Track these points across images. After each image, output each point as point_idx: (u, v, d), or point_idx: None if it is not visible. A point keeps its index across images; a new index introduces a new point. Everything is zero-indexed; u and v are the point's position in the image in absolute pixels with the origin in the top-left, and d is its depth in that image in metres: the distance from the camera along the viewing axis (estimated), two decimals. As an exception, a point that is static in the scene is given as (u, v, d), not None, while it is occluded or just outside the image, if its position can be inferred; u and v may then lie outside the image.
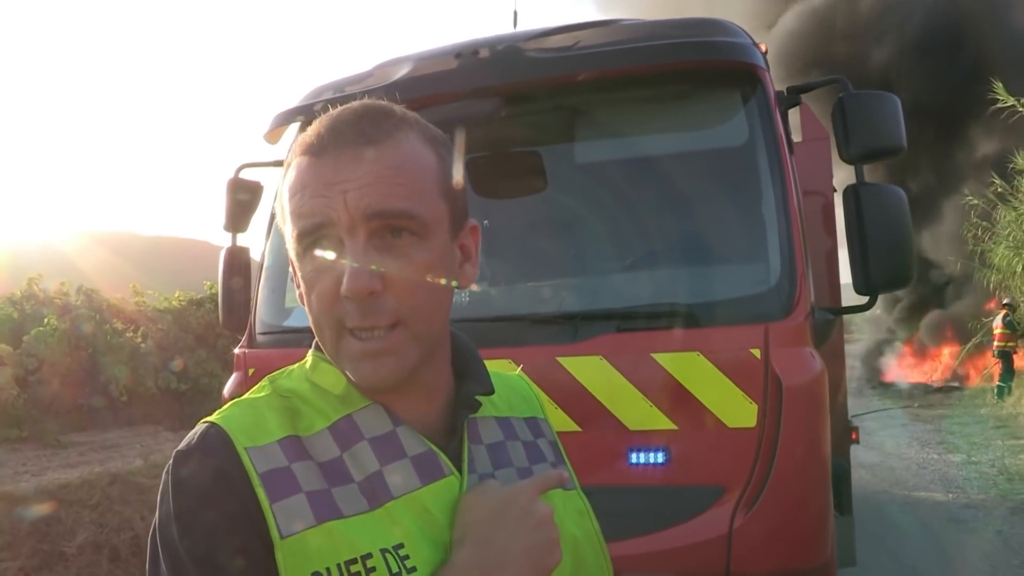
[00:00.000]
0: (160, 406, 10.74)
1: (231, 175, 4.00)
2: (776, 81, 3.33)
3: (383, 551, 0.93)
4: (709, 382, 2.82)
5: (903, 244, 3.01)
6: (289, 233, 1.00)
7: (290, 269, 1.05)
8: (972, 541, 6.84)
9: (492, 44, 3.36)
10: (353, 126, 0.97)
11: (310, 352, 1.10)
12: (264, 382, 1.07)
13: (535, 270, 3.48)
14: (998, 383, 16.57)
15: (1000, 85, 15.02)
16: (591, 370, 2.92)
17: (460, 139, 3.57)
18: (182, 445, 0.98)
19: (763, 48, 3.34)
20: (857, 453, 5.41)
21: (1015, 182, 16.11)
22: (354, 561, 0.92)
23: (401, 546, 0.95)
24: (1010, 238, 16.04)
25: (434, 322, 1.02)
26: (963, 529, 7.22)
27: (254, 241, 4.05)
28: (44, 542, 5.85)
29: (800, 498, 2.84)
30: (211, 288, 12.70)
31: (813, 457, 2.88)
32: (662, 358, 2.89)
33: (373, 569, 0.92)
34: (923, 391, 18.18)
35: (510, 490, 1.01)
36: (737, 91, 3.24)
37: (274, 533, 0.91)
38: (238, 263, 4.02)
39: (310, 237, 0.97)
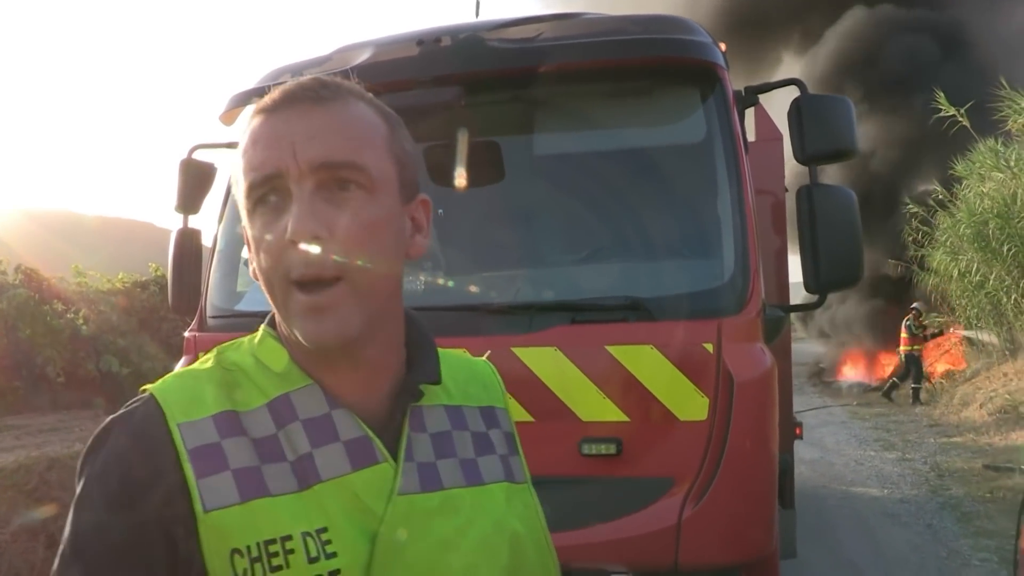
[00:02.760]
0: (100, 390, 10.54)
1: (184, 155, 3.94)
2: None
3: (304, 534, 0.93)
4: (661, 375, 2.86)
5: (853, 244, 3.08)
6: (241, 194, 1.00)
7: (244, 239, 1.04)
8: (904, 534, 7.04)
9: (454, 32, 3.35)
10: (306, 89, 0.99)
11: (262, 326, 1.09)
12: (211, 352, 1.07)
13: (491, 260, 3.49)
14: (891, 380, 17.31)
15: (942, 95, 15.43)
16: (545, 361, 2.94)
17: (418, 127, 3.58)
18: (117, 414, 0.99)
19: (723, 47, 3.38)
20: (799, 449, 5.53)
21: (954, 189, 16.57)
22: (273, 541, 0.92)
23: (324, 530, 0.94)
24: (948, 244, 16.46)
25: (378, 284, 1.00)
26: (896, 523, 7.43)
27: (205, 224, 3.99)
28: (-24, 528, 5.71)
29: (747, 491, 2.90)
30: (156, 271, 12.48)
31: (761, 451, 2.94)
32: (616, 350, 2.92)
33: (291, 551, 0.91)
34: (861, 390, 18.59)
35: None
36: (696, 89, 3.28)
37: (197, 507, 0.91)
38: (189, 245, 3.95)
39: (260, 190, 0.97)
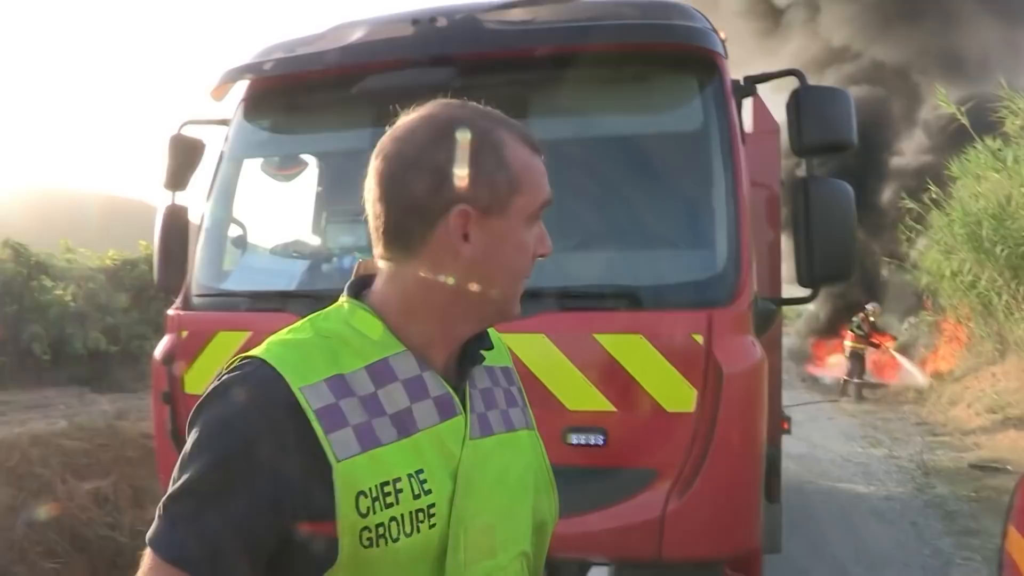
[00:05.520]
0: (88, 367, 10.46)
1: (174, 131, 3.88)
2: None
3: (409, 475, 1.12)
4: (650, 365, 2.82)
5: (846, 238, 3.05)
6: (524, 202, 1.19)
7: (501, 237, 1.19)
8: (889, 532, 7.04)
9: (450, 13, 3.30)
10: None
11: (346, 299, 1.24)
12: (304, 323, 1.21)
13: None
14: (843, 378, 17.71)
15: (942, 92, 15.40)
16: (533, 348, 2.90)
17: (404, 107, 3.52)
18: (229, 375, 1.13)
19: (722, 35, 3.33)
20: (786, 444, 5.50)
21: (949, 188, 16.56)
22: (387, 483, 1.10)
23: (421, 471, 1.13)
24: (941, 242, 16.46)
25: None
26: (881, 520, 7.42)
27: (193, 201, 3.94)
28: (-44, 503, 5.65)
29: (733, 485, 2.87)
30: (147, 248, 12.39)
31: (748, 445, 2.91)
32: (604, 339, 2.88)
33: (401, 490, 1.11)
34: (851, 386, 18.61)
35: None
36: (694, 77, 3.23)
37: (331, 458, 1.07)
38: (176, 222, 3.90)
39: (541, 210, 1.22)
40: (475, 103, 1.25)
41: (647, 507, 2.78)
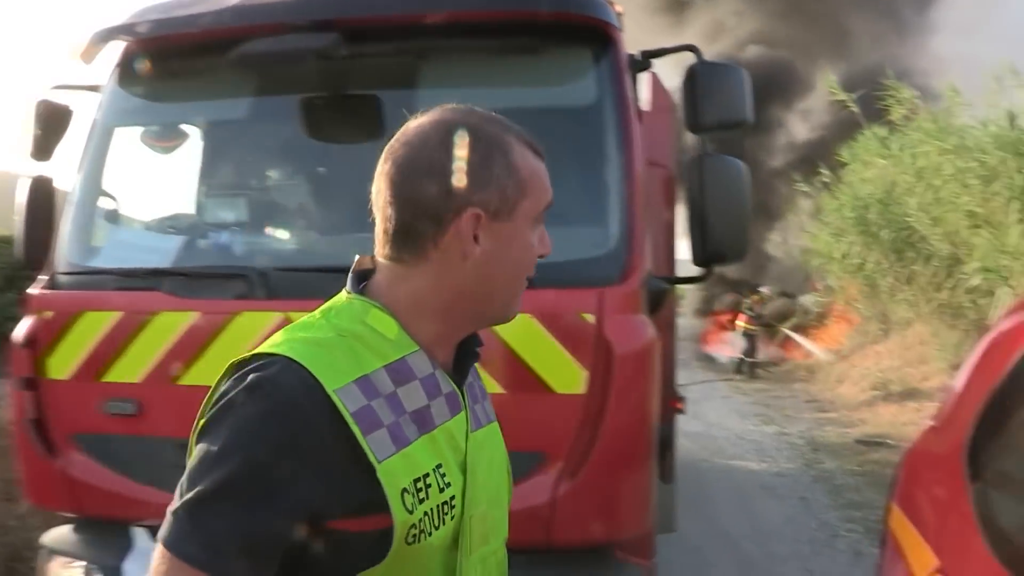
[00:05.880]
0: (-43, 350, 9.84)
1: (41, 96, 3.59)
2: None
3: (434, 470, 1.17)
4: (538, 346, 2.74)
5: (740, 216, 3.02)
6: (529, 205, 1.24)
7: (503, 238, 1.23)
8: (779, 507, 7.22)
9: None
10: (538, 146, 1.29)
11: (354, 296, 1.24)
12: (318, 319, 1.22)
13: (362, 219, 3.31)
14: (737, 356, 18.53)
15: (833, 79, 15.84)
16: None
17: (290, 77, 3.35)
18: (256, 374, 1.10)
19: (619, 9, 3.26)
20: (681, 423, 5.56)
21: (838, 172, 17.10)
22: (419, 479, 1.14)
23: (441, 466, 1.18)
24: (832, 225, 17.00)
25: None
26: (772, 495, 7.61)
27: (60, 172, 3.67)
28: None
29: (624, 468, 2.81)
30: (22, 225, 11.70)
31: (639, 426, 2.86)
32: None
33: (430, 485, 1.15)
34: (745, 365, 19.10)
35: None
36: (588, 49, 3.14)
37: (372, 459, 1.09)
38: (42, 195, 3.62)
39: (542, 211, 1.26)
40: (480, 109, 1.28)
41: (536, 492, 2.69)
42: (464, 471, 1.22)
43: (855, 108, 15.29)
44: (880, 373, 13.69)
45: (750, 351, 18.36)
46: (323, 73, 3.24)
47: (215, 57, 3.21)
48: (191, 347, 3.04)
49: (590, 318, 2.73)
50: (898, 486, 2.46)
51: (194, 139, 4.04)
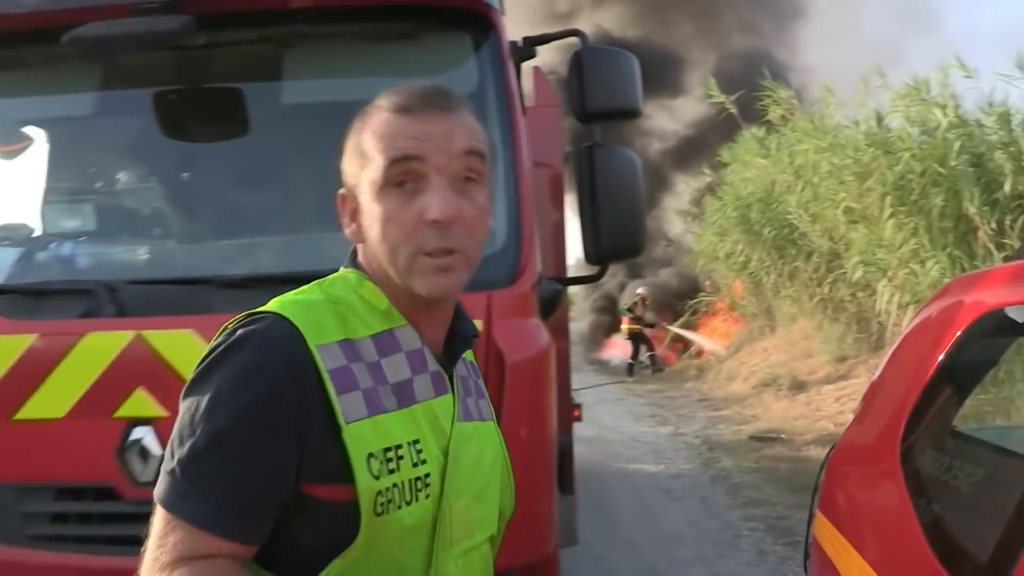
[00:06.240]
0: None
1: None
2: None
3: (409, 443, 1.15)
4: None
5: (634, 210, 2.86)
6: (372, 171, 1.17)
7: (344, 208, 1.24)
8: (680, 509, 7.14)
9: None
10: (436, 97, 1.19)
11: (351, 270, 1.24)
12: (312, 286, 1.22)
13: (225, 224, 2.99)
14: (628, 359, 18.79)
15: (713, 82, 16.14)
16: None
17: (137, 65, 3.02)
18: (246, 327, 1.12)
19: None
20: (577, 427, 5.37)
21: (720, 173, 17.45)
22: (390, 448, 1.12)
23: (417, 442, 1.16)
24: (716, 225, 17.31)
25: (479, 256, 1.23)
26: (672, 498, 7.53)
27: None
28: None
29: (523, 487, 2.57)
30: None
31: (537, 440, 2.65)
32: None
33: (402, 457, 1.13)
34: (641, 367, 19.28)
35: None
36: (468, 35, 2.94)
37: (339, 419, 1.09)
38: None
39: (399, 167, 1.15)
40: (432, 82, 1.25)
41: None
42: (446, 455, 1.20)
43: (733, 109, 15.60)
44: (769, 369, 13.94)
45: (635, 353, 18.64)
46: (178, 63, 2.95)
47: (51, 45, 2.84)
48: (28, 377, 2.67)
49: (478, 324, 2.48)
50: (821, 491, 2.29)
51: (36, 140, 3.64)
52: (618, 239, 2.85)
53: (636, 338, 18.70)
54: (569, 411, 4.88)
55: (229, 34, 2.90)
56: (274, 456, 1.08)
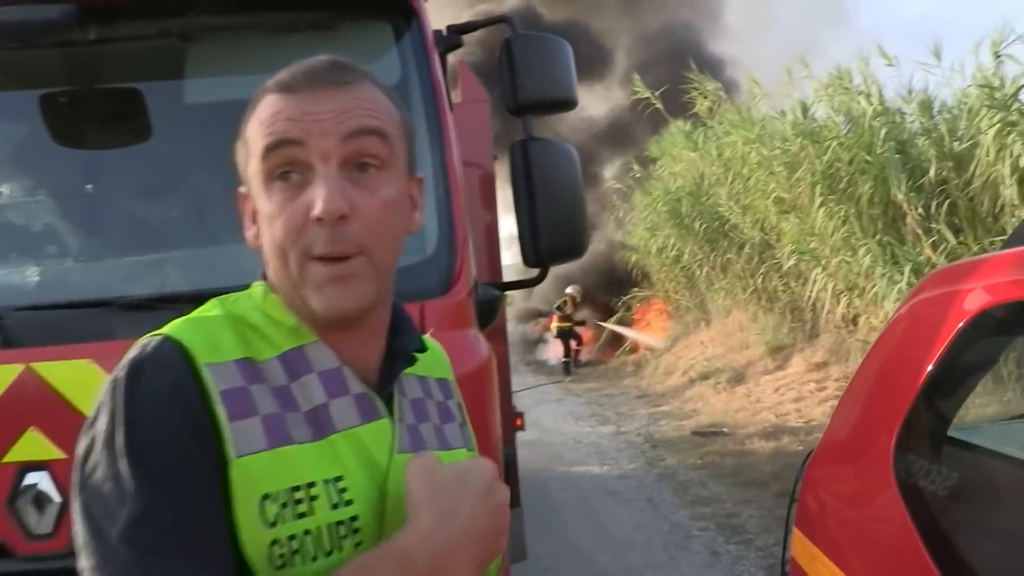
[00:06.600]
0: None
1: None
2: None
3: (325, 482, 0.96)
4: None
5: (575, 208, 2.67)
6: (254, 162, 1.01)
7: (240, 207, 1.08)
8: (627, 512, 7.01)
9: None
10: (326, 71, 1.02)
11: (258, 283, 1.09)
12: (212, 303, 1.07)
13: (126, 239, 2.72)
14: (561, 359, 18.73)
15: (638, 78, 16.15)
16: None
17: (18, 64, 2.73)
18: (133, 355, 0.96)
19: None
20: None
21: (650, 168, 17.49)
22: (298, 488, 0.94)
23: (340, 479, 0.97)
24: (647, 220, 17.35)
25: (391, 259, 1.05)
26: (619, 500, 7.40)
27: None
28: None
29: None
30: None
31: (483, 455, 2.43)
32: None
33: (315, 498, 0.95)
34: (572, 366, 19.22)
35: (472, 464, 1.04)
36: (387, 24, 2.72)
37: (228, 451, 0.92)
38: None
39: (278, 155, 0.99)
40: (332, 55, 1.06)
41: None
42: (384, 495, 1.01)
43: (659, 104, 15.62)
44: (706, 362, 13.96)
45: (568, 351, 18.57)
46: (67, 61, 2.68)
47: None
48: None
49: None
50: (799, 505, 2.10)
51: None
52: (558, 239, 2.66)
53: (566, 335, 18.64)
54: (512, 420, 4.69)
55: (125, 27, 2.64)
56: (207, 501, 0.91)
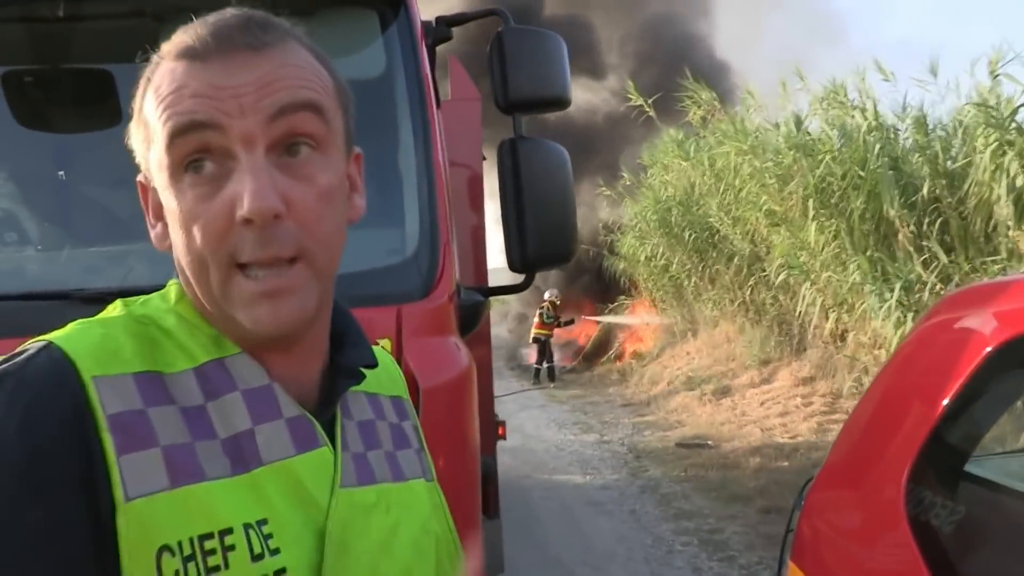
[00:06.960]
0: None
1: None
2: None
3: (245, 526, 0.77)
4: None
5: (564, 211, 2.55)
6: (155, 152, 0.83)
7: (145, 205, 0.90)
8: (610, 524, 6.90)
9: None
10: (242, 31, 0.82)
11: (173, 282, 0.90)
12: (116, 304, 0.88)
13: (92, 227, 2.59)
14: (534, 365, 18.52)
15: (632, 84, 16.06)
16: None
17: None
18: (4, 365, 0.77)
19: None
20: (499, 438, 5.06)
21: (641, 176, 17.42)
22: (210, 536, 0.76)
23: (265, 523, 0.79)
24: (636, 228, 17.27)
25: (334, 259, 0.88)
26: (601, 511, 7.29)
27: None
28: None
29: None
30: None
31: (458, 474, 2.31)
32: None
33: (232, 547, 0.76)
34: (552, 372, 19.11)
35: None
36: (373, 11, 2.59)
37: (117, 493, 0.73)
38: None
39: (188, 142, 0.80)
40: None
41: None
42: (322, 538, 0.82)
43: (651, 112, 15.53)
44: (692, 373, 13.87)
45: (548, 356, 18.39)
46: (33, 40, 2.55)
47: None
48: None
49: (388, 344, 2.14)
50: (796, 538, 1.98)
51: None
52: (546, 243, 2.54)
53: (542, 343, 18.39)
54: (493, 429, 4.56)
55: (94, 4, 2.51)
56: (51, 552, 0.72)
